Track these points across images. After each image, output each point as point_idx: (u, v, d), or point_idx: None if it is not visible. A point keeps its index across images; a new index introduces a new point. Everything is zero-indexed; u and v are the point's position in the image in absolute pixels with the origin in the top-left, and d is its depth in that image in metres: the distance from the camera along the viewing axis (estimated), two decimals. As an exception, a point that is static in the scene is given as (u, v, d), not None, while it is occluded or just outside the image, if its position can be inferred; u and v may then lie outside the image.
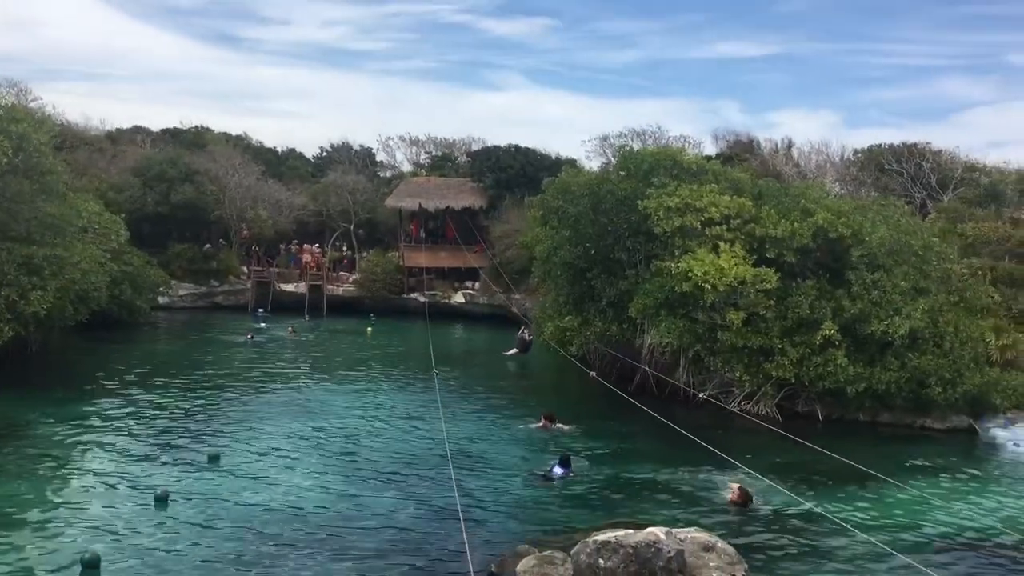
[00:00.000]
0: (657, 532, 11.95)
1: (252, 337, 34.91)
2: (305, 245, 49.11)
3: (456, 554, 12.60)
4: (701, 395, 24.08)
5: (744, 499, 15.37)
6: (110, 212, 33.71)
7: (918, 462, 19.69)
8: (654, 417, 18.88)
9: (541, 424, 20.83)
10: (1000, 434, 22.30)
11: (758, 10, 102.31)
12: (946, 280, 25.72)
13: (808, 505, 14.92)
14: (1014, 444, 21.59)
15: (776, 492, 15.20)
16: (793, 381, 23.15)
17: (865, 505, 16.13)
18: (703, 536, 12.48)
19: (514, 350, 32.38)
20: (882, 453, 20.40)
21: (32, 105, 42.56)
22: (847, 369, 22.56)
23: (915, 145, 45.41)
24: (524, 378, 29.83)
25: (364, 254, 49.16)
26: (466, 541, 11.50)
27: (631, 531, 12.07)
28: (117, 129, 58.96)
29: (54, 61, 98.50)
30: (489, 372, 30.07)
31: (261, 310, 43.38)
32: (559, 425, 20.84)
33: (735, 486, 15.71)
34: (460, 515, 12.23)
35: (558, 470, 16.83)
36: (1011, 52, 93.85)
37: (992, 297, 26.44)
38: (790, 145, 52.23)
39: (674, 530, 12.33)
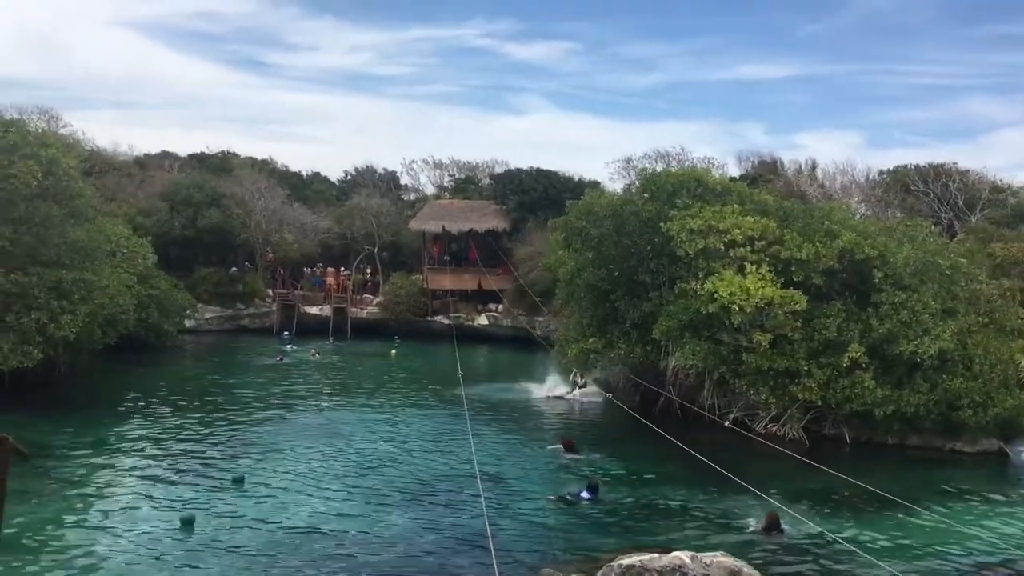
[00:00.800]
0: (682, 556, 11.86)
1: (281, 359, 35.52)
2: (329, 268, 49.42)
3: (480, 578, 12.58)
4: (727, 423, 23.84)
5: (774, 525, 15.14)
6: (138, 236, 34.12)
7: (949, 486, 19.41)
8: (675, 443, 18.73)
9: (560, 448, 20.71)
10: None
11: (779, 32, 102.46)
12: (975, 301, 25.45)
13: (834, 531, 14.72)
14: (1047, 468, 21.26)
15: (801, 520, 15.02)
16: (820, 404, 22.94)
17: (893, 532, 15.91)
18: (729, 561, 12.36)
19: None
20: (911, 477, 20.16)
21: (62, 131, 43.36)
22: (875, 391, 22.33)
23: (941, 165, 45.12)
24: (548, 401, 29.70)
25: (389, 277, 49.36)
26: (495, 564, 11.46)
27: (656, 555, 12.00)
28: (145, 154, 59.77)
29: (84, 88, 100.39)
30: (515, 393, 29.98)
31: (287, 333, 43.64)
32: (575, 455, 20.46)
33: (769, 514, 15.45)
34: (489, 539, 12.19)
35: (585, 495, 16.77)
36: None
37: (1022, 319, 26.13)
38: (814, 166, 52.08)
39: (700, 554, 12.23)
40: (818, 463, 17.94)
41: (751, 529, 15.29)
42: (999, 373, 22.80)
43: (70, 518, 14.78)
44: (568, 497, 16.88)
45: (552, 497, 17.10)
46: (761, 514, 15.59)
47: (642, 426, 21.45)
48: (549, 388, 29.48)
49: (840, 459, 22.06)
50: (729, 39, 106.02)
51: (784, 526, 15.17)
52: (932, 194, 42.52)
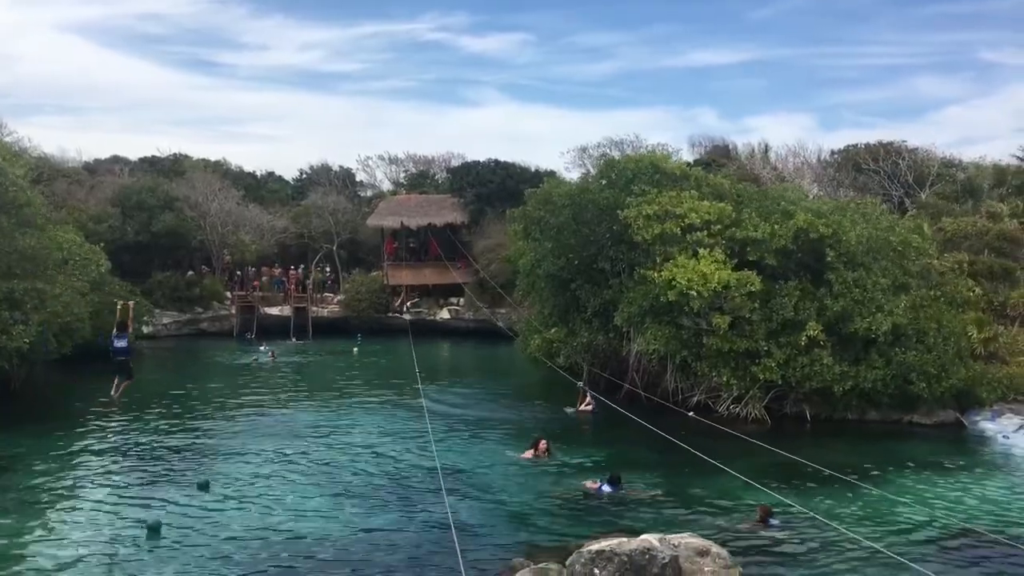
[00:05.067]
0: (651, 539, 11.99)
1: (256, 360, 35.78)
2: (273, 268, 48.87)
3: (451, 571, 12.61)
4: (691, 412, 24.09)
5: (765, 517, 15.07)
6: (90, 243, 33.55)
7: (908, 458, 19.81)
8: (643, 426, 18.93)
9: (530, 453, 19.56)
10: (988, 427, 22.50)
11: (730, 19, 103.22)
12: (926, 275, 26.01)
13: (800, 507, 14.95)
14: (1003, 436, 21.78)
15: (766, 495, 15.24)
16: (780, 383, 23.28)
17: (856, 503, 16.20)
18: (697, 541, 12.52)
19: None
20: (872, 451, 20.54)
21: (7, 139, 42.46)
22: (833, 368, 22.72)
23: (891, 144, 45.84)
24: (511, 391, 29.78)
25: (348, 275, 49.09)
26: (460, 558, 11.50)
27: (625, 539, 12.11)
28: (95, 160, 58.85)
29: (30, 96, 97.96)
30: (476, 388, 30.05)
31: (248, 334, 43.31)
32: (549, 453, 19.53)
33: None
34: (453, 532, 12.23)
35: (607, 488, 16.86)
36: (982, 49, 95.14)
37: (973, 291, 26.75)
38: (767, 149, 52.72)
39: (668, 536, 12.36)
40: (781, 441, 18.24)
41: (740, 525, 15.04)
42: (952, 345, 23.33)
43: (33, 531, 14.53)
44: (591, 489, 16.94)
45: (581, 485, 17.10)
46: (729, 489, 15.74)
47: (609, 412, 21.63)
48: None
49: (802, 436, 22.47)
50: (682, 26, 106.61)
51: (774, 520, 14.97)
52: (882, 172, 43.22)
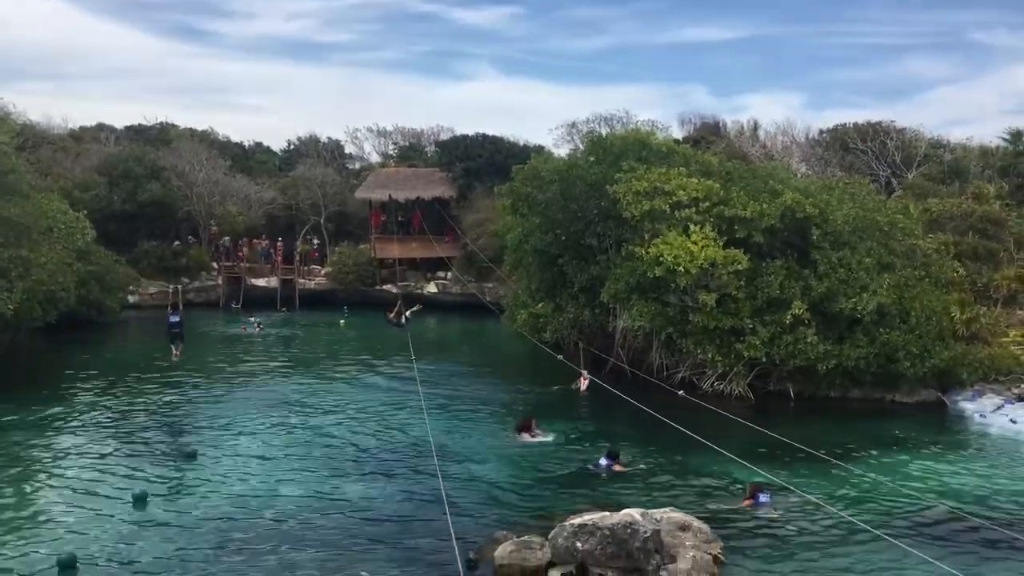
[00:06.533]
0: (633, 513, 12.12)
1: (245, 330, 36.14)
2: (260, 239, 48.69)
3: (438, 543, 12.72)
4: (681, 392, 24.23)
5: (755, 494, 15.02)
6: (75, 211, 33.31)
7: (890, 436, 20.03)
8: (628, 401, 19.05)
9: (528, 436, 19.32)
10: (967, 406, 22.74)
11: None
12: (911, 256, 26.14)
13: (783, 484, 15.13)
14: (979, 416, 22.02)
15: (753, 474, 15.39)
16: (764, 360, 23.43)
17: (838, 481, 16.40)
18: (678, 516, 12.68)
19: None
20: (855, 429, 20.76)
21: (-9, 105, 41.92)
22: (817, 347, 22.88)
23: (879, 124, 45.87)
24: (497, 365, 29.89)
25: (335, 247, 48.95)
26: (451, 529, 11.60)
27: (607, 513, 12.25)
28: (81, 127, 58.22)
29: (15, 61, 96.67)
30: (464, 361, 30.13)
31: (235, 304, 43.30)
32: (537, 433, 19.45)
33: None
34: (445, 504, 12.29)
35: (604, 462, 17.02)
36: (973, 30, 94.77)
37: (957, 272, 26.90)
38: (756, 127, 52.62)
39: (650, 511, 12.51)
40: (765, 419, 18.39)
41: (728, 503, 15.02)
42: (935, 325, 23.52)
43: (18, 499, 14.57)
44: (591, 467, 17.06)
45: (587, 465, 17.19)
46: (716, 467, 15.89)
47: (595, 389, 21.73)
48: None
49: (786, 414, 22.66)
50: (676, 2, 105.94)
51: (764, 497, 14.91)
52: (870, 152, 43.29)
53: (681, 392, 22.59)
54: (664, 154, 27.50)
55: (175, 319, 24.61)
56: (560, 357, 25.75)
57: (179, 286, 32.46)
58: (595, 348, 26.70)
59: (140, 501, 14.40)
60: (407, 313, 28.06)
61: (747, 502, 14.92)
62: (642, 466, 17.26)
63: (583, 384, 24.54)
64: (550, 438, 19.34)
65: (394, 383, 25.33)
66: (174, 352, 24.83)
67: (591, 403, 23.37)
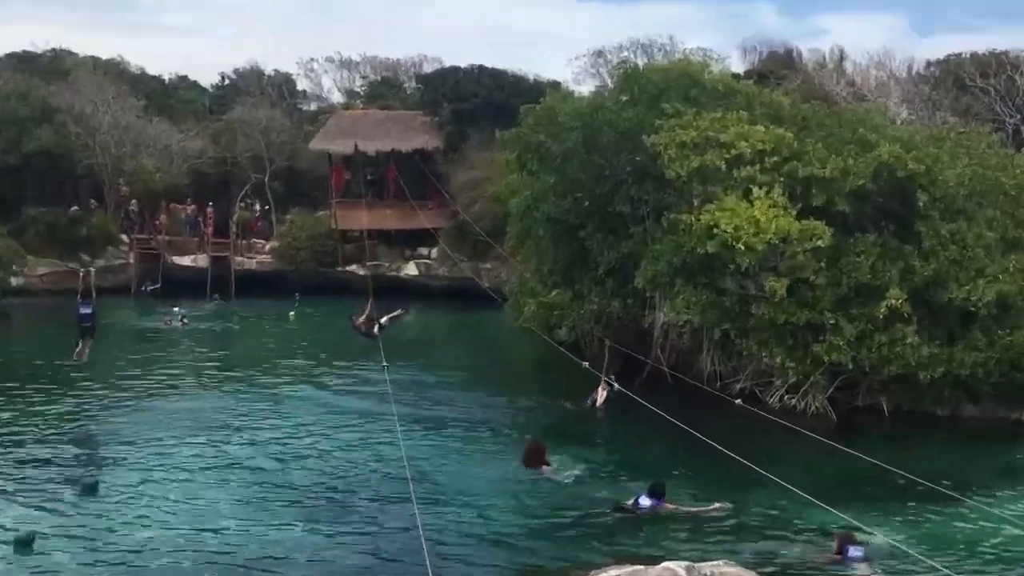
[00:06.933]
0: (675, 567, 12.07)
1: (170, 322, 36.74)
2: (184, 204, 48.74)
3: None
4: (738, 402, 24.17)
5: (843, 546, 15.02)
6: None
7: (1018, 466, 19.97)
8: (668, 420, 18.93)
9: (545, 469, 19.15)
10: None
11: None
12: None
13: (876, 531, 15.06)
14: None
15: (831, 515, 15.32)
16: (850, 367, 23.35)
17: (950, 528, 16.29)
18: (735, 570, 12.62)
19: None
20: (967, 457, 20.69)
21: None
22: (919, 349, 22.80)
23: (1006, 54, 45.63)
24: (497, 373, 29.85)
25: (284, 215, 48.96)
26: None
27: (641, 567, 12.20)
28: (-53, 54, 58.28)
29: None
30: (453, 367, 30.09)
31: (149, 283, 43.42)
32: (546, 467, 19.20)
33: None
34: (427, 558, 12.26)
35: (645, 500, 16.83)
36: None
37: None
38: (842, 58, 52.41)
39: (697, 564, 12.45)
40: (850, 443, 18.25)
41: (810, 556, 14.97)
42: (1078, 323, 23.44)
43: None
44: (625, 508, 16.93)
45: (611, 507, 17.09)
46: (788, 506, 15.74)
47: (625, 403, 21.67)
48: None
49: (878, 437, 22.61)
50: None
51: (857, 551, 15.01)
52: (994, 92, 43.08)
53: (739, 401, 22.57)
54: (720, 93, 27.42)
55: (86, 310, 24.46)
56: (586, 365, 25.55)
57: (91, 269, 31.38)
58: (627, 350, 26.64)
59: (24, 545, 14.38)
60: (383, 320, 27.12)
61: (834, 556, 14.85)
62: (716, 503, 17.11)
63: (600, 396, 24.43)
64: (574, 471, 19.13)
65: (360, 396, 25.36)
66: (78, 348, 24.62)
67: (617, 421, 23.30)
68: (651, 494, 16.94)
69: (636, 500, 16.95)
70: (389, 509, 16.55)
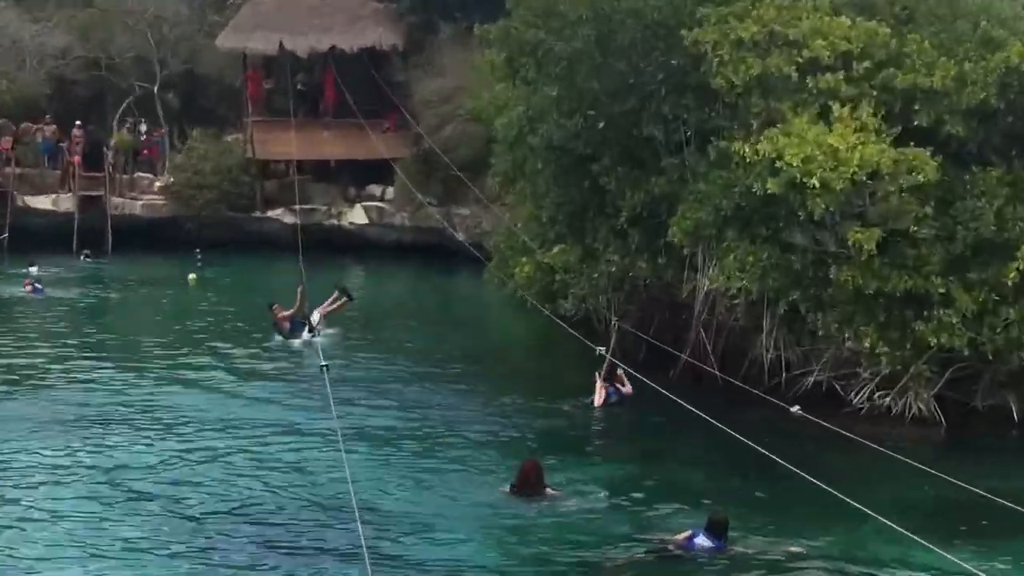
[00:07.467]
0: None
1: (33, 289, 36.74)
2: (42, 122, 48.68)
3: None
4: (795, 409, 23.98)
5: None
6: None
7: None
8: (714, 425, 18.95)
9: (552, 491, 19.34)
10: None
11: None
12: None
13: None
14: None
15: (945, 560, 15.37)
16: (967, 353, 23.39)
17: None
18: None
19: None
20: None
21: None
22: (1063, 331, 22.91)
23: None
24: (475, 359, 29.87)
25: (182, 140, 48.87)
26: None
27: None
28: None
29: None
30: (414, 351, 30.13)
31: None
32: (548, 491, 19.29)
33: None
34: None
35: (703, 541, 16.76)
36: None
37: None
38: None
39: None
40: (967, 458, 18.33)
41: None
42: None
43: None
44: (672, 544, 16.89)
45: (656, 541, 17.07)
46: (882, 544, 15.88)
47: (655, 401, 21.69)
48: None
49: (1006, 450, 22.72)
50: None
51: None
52: None
53: (796, 408, 21.84)
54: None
55: None
56: (601, 351, 25.37)
57: None
58: (655, 330, 26.66)
59: None
60: (321, 310, 26.39)
61: None
62: (741, 546, 17.23)
63: (599, 395, 24.47)
64: (585, 498, 19.21)
65: (288, 393, 25.45)
66: None
67: (642, 425, 23.31)
68: (710, 531, 16.84)
69: (690, 537, 16.92)
70: (328, 548, 16.56)
